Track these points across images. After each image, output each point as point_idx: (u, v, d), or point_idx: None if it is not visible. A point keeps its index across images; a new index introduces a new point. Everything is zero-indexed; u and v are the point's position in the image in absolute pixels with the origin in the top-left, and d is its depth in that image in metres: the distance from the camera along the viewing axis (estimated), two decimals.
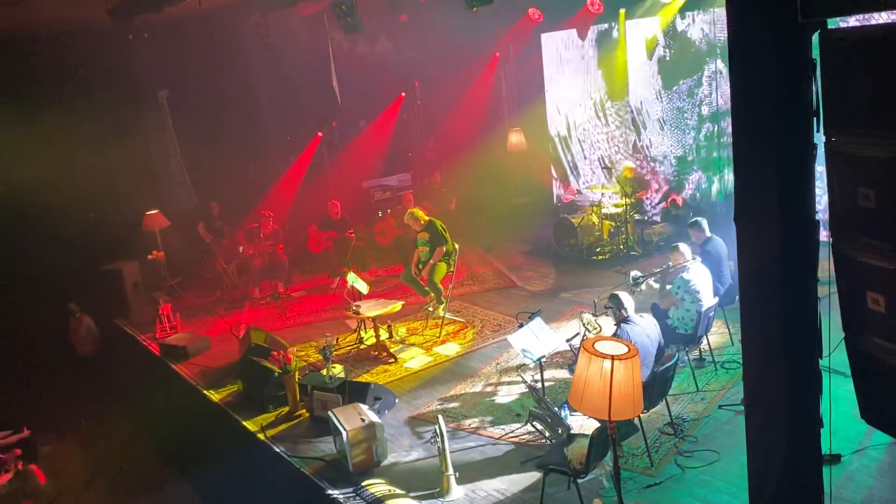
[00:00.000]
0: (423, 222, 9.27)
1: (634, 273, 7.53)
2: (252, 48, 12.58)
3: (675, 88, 11.49)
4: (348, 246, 11.40)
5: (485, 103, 14.74)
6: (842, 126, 3.00)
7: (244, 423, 7.36)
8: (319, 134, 13.89)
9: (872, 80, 2.81)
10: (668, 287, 7.07)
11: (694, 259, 7.07)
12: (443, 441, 5.58)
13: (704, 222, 7.75)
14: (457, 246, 9.22)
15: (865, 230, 2.97)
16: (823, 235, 3.24)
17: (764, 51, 3.18)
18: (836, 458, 5.14)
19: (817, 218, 3.27)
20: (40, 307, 10.89)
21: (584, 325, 7.18)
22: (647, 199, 11.73)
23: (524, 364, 6.56)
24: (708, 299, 6.86)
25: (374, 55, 14.26)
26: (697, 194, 11.52)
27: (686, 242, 7.46)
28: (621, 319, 5.98)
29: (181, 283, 11.92)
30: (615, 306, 6.03)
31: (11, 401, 9.62)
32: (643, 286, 7.50)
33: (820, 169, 3.18)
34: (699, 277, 6.87)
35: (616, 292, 6.12)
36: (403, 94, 14.57)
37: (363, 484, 5.88)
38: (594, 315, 7.46)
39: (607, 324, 7.31)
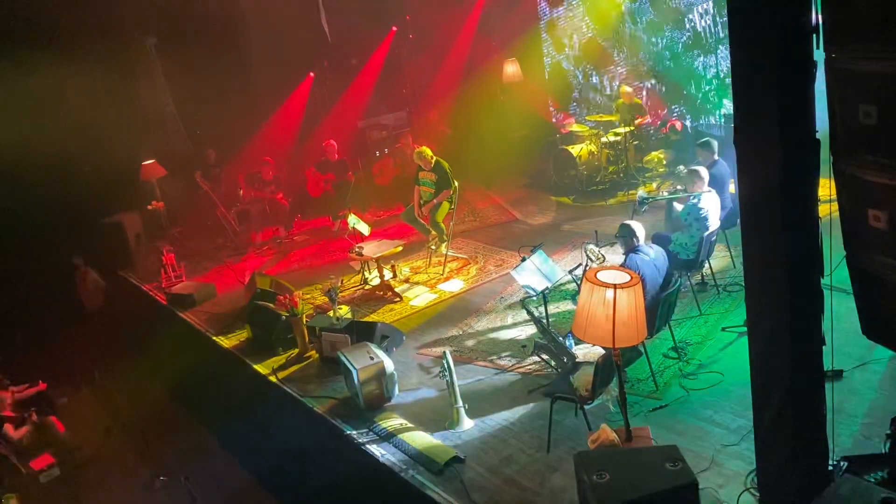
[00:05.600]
0: (431, 163, 9.09)
1: (641, 193, 7.38)
2: None
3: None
4: (348, 188, 11.34)
5: (478, 35, 14.39)
6: (842, 41, 2.94)
7: (255, 366, 7.47)
8: (311, 74, 13.66)
9: None
10: (677, 211, 6.97)
11: (709, 191, 6.87)
12: (451, 374, 5.66)
13: (715, 144, 7.49)
14: (456, 184, 9.16)
15: (867, 147, 2.95)
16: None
17: None
18: (838, 374, 5.21)
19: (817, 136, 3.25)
20: (45, 263, 10.94)
21: (588, 255, 7.18)
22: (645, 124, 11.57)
23: (528, 297, 6.59)
24: (713, 225, 6.85)
25: None
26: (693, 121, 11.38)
27: (694, 164, 7.30)
28: (631, 249, 5.92)
29: (183, 231, 11.93)
30: (626, 235, 5.93)
31: (25, 356, 9.76)
32: (646, 208, 7.37)
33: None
34: (710, 205, 6.80)
35: (627, 221, 6.05)
36: (395, 28, 14.25)
37: (376, 420, 6.02)
38: (598, 245, 7.44)
39: (611, 253, 7.31)
